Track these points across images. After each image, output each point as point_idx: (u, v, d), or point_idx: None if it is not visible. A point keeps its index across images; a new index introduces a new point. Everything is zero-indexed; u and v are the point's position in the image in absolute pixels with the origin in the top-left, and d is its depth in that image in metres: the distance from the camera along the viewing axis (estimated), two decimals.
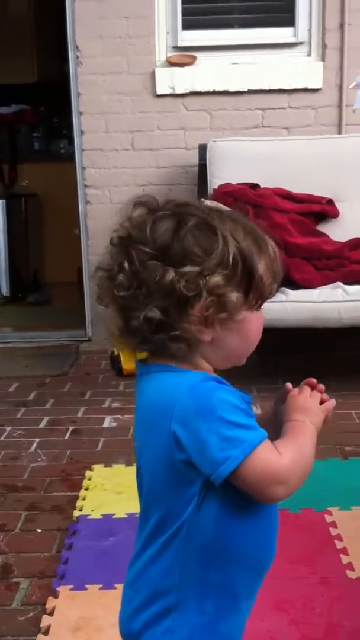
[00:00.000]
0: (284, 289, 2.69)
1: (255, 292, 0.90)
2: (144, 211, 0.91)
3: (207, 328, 0.89)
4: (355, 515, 1.93)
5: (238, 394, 0.89)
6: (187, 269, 0.86)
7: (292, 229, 2.90)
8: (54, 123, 5.57)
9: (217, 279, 0.86)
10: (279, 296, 2.62)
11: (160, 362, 0.92)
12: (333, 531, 1.86)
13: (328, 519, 1.92)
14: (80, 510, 2.01)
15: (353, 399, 2.77)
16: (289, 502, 2.02)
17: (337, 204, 3.08)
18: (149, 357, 0.94)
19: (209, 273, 0.86)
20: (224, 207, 0.96)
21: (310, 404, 0.98)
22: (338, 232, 3.03)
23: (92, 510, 2.01)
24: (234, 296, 0.87)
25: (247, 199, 2.87)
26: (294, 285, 2.74)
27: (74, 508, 2.02)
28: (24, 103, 5.59)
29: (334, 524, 1.89)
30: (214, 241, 0.87)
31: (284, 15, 3.35)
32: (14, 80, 5.40)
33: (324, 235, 2.99)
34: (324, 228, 3.04)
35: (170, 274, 0.85)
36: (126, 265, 0.87)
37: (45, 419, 2.67)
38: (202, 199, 2.70)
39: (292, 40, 3.35)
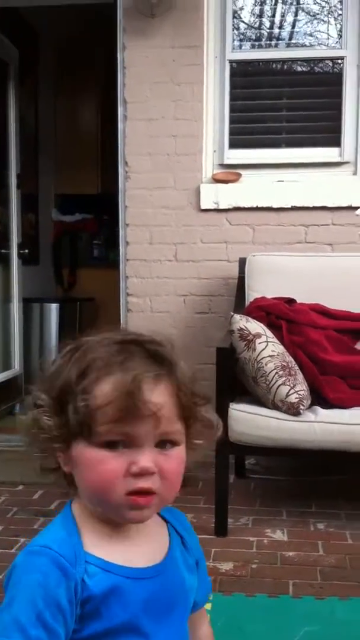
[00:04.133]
0: (315, 407, 2.59)
1: (67, 423, 0.83)
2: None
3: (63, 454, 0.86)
4: None
5: (58, 592, 0.80)
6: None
7: (328, 346, 2.82)
8: (116, 232, 5.76)
9: (36, 394, 0.86)
10: (308, 415, 2.52)
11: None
12: None
13: None
14: None
15: None
16: None
17: None
18: None
19: (38, 390, 0.86)
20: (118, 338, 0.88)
21: None
22: None
23: None
24: (47, 424, 0.84)
25: (281, 313, 2.82)
26: (327, 404, 2.63)
27: None
28: (87, 212, 5.84)
29: None
30: (61, 361, 0.86)
31: (330, 136, 3.40)
32: (80, 191, 5.69)
33: None
34: None
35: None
36: None
37: None
38: (232, 313, 2.67)
39: (338, 159, 3.38)
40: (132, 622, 0.84)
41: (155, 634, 0.86)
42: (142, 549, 0.88)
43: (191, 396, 0.87)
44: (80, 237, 5.87)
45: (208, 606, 2.00)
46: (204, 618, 1.03)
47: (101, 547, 0.85)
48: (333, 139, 3.40)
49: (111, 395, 0.80)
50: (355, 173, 3.38)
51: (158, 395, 0.82)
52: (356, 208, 3.27)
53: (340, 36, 3.43)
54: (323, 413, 2.53)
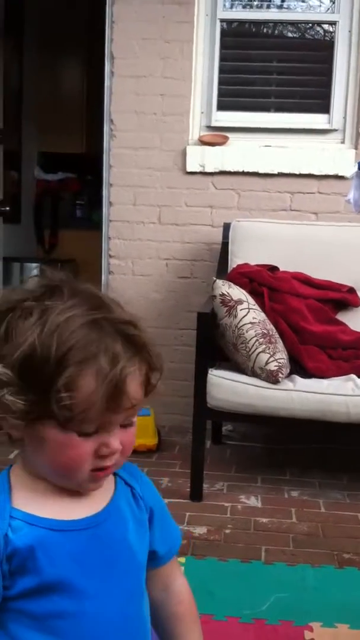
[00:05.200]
0: (294, 376, 2.58)
1: (51, 408, 0.77)
2: (34, 284, 0.84)
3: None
4: (336, 634, 1.75)
5: None
6: None
7: (309, 315, 2.80)
8: (100, 192, 5.67)
9: None
10: (286, 384, 2.51)
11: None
12: None
13: (307, 635, 1.75)
14: None
15: None
16: (269, 611, 1.86)
17: (359, 293, 2.97)
18: None
19: None
20: (99, 304, 0.82)
21: None
22: (358, 322, 2.92)
23: None
24: (12, 401, 0.77)
25: (263, 280, 2.80)
26: (306, 373, 2.63)
27: None
28: (71, 172, 5.74)
29: None
30: (24, 328, 0.78)
31: (320, 102, 3.34)
32: (64, 150, 5.57)
33: (342, 324, 2.88)
34: (343, 317, 2.93)
35: None
36: None
37: None
38: (215, 279, 2.64)
39: (326, 127, 3.33)
40: (64, 578, 0.82)
41: (94, 592, 0.84)
42: (79, 501, 0.86)
43: (159, 375, 0.85)
44: (63, 197, 5.77)
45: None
46: (176, 571, 0.99)
47: (33, 503, 0.84)
48: (322, 105, 3.34)
49: (95, 391, 0.77)
50: (343, 141, 3.33)
51: (137, 386, 0.81)
52: (343, 177, 3.22)
53: (332, 2, 3.35)
54: (301, 382, 2.53)
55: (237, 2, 3.48)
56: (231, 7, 3.43)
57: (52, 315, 0.77)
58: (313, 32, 3.56)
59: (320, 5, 3.45)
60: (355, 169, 1.67)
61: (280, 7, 3.49)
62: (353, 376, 2.56)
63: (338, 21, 3.29)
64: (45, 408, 0.77)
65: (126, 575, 0.88)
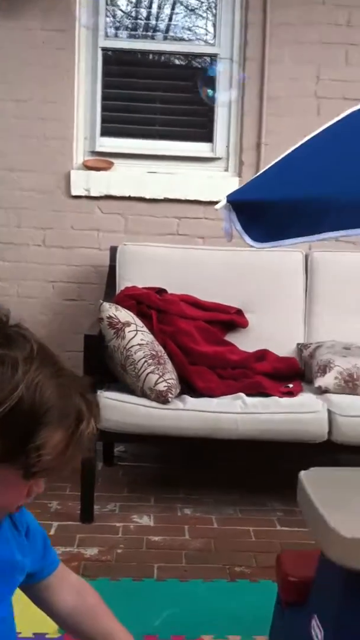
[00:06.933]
0: (184, 396, 2.62)
1: (22, 459, 0.80)
2: None
3: None
4: None
5: None
6: None
7: (198, 336, 2.86)
8: None
9: None
10: (176, 403, 2.55)
11: None
12: None
13: None
14: None
15: (253, 514, 2.66)
16: (161, 627, 1.87)
17: (246, 315, 3.07)
18: None
19: None
20: (61, 363, 0.86)
21: None
22: (246, 342, 3.02)
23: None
24: None
25: (151, 303, 2.84)
26: (196, 393, 2.68)
27: None
28: None
29: None
30: (10, 381, 0.78)
31: (203, 131, 3.45)
32: None
33: (231, 344, 2.96)
34: (232, 337, 3.02)
35: None
36: None
37: None
38: (101, 301, 2.65)
39: (210, 155, 3.44)
40: None
41: None
42: None
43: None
44: None
45: None
46: (66, 570, 1.07)
47: None
48: (206, 134, 3.46)
49: (64, 449, 0.82)
50: (227, 169, 3.45)
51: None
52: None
53: (214, 36, 3.48)
54: (191, 401, 2.57)
55: (121, 30, 3.54)
56: (115, 35, 3.49)
57: (33, 371, 0.79)
58: (200, 61, 3.67)
59: (206, 34, 3.57)
60: (224, 201, 1.72)
61: (165, 37, 3.59)
62: (242, 394, 2.63)
63: (218, 53, 3.42)
64: (13, 457, 0.79)
65: (8, 586, 0.93)
